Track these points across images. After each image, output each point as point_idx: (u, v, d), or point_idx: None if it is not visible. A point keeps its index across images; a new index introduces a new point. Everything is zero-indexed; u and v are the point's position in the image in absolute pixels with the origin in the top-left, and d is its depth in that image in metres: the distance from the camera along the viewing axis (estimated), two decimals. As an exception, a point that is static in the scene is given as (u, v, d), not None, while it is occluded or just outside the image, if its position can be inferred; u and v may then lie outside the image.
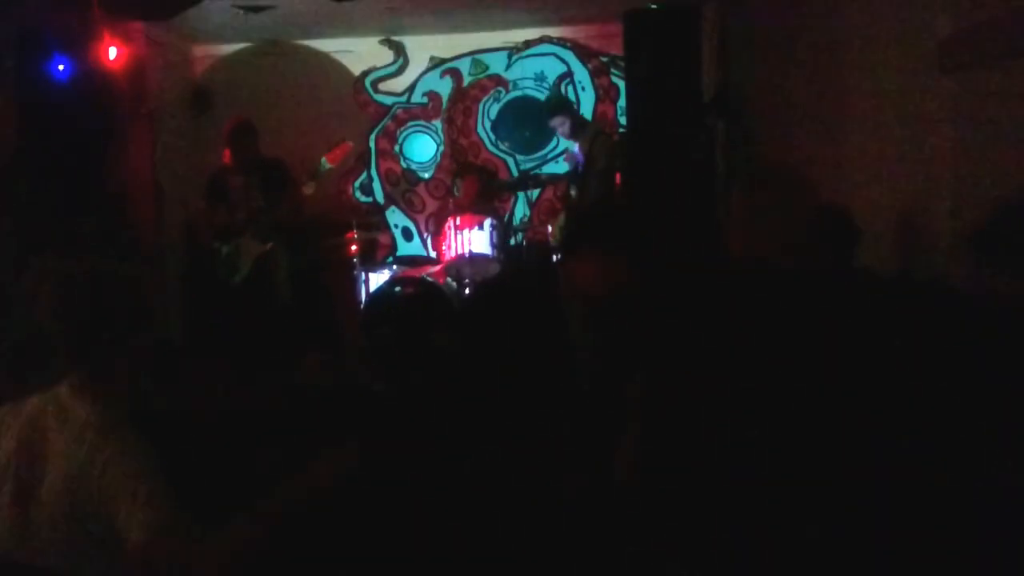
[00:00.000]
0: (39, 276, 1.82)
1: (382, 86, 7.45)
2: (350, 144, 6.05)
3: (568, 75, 7.32)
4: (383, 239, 7.46)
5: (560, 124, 6.17)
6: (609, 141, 6.11)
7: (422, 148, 7.51)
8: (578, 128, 6.14)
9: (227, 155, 5.69)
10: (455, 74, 7.45)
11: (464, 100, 7.45)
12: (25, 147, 5.08)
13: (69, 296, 1.79)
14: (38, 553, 1.72)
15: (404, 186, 7.54)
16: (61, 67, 5.32)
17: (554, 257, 6.28)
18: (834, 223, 2.82)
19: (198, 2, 5.58)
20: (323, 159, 5.71)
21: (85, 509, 1.69)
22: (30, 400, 1.85)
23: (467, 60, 7.42)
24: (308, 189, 5.63)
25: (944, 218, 3.16)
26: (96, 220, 5.28)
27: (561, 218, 6.60)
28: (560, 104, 6.39)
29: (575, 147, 6.20)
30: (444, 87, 7.46)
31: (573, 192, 6.20)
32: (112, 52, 5.41)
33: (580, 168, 6.07)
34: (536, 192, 7.22)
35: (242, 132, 5.55)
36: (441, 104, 7.47)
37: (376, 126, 7.49)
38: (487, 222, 6.18)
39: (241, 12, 6.14)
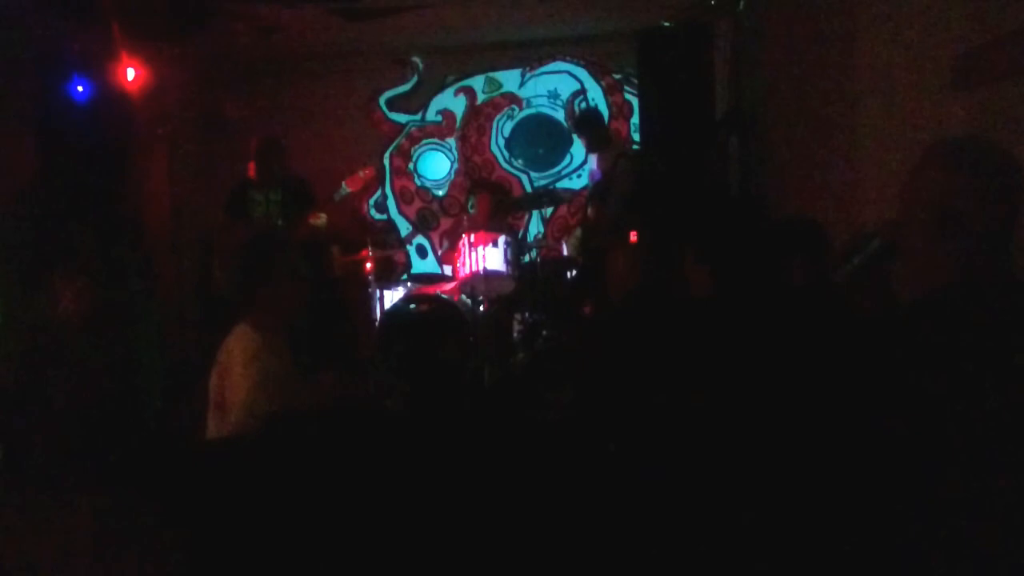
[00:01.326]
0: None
1: (396, 105, 7.50)
2: (372, 169, 6.07)
3: (581, 92, 7.34)
4: (398, 257, 7.48)
5: (585, 137, 6.21)
6: (632, 165, 5.97)
7: (436, 166, 7.55)
8: (599, 143, 6.08)
9: (252, 168, 5.73)
10: (469, 92, 7.49)
11: (478, 118, 7.48)
12: (43, 168, 5.14)
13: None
14: None
15: (419, 204, 7.57)
16: (80, 88, 5.38)
17: (568, 274, 6.27)
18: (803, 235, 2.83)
19: (215, 23, 5.64)
20: (344, 184, 5.74)
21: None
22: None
23: (481, 78, 7.46)
24: (318, 220, 5.62)
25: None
26: (112, 240, 5.32)
27: (577, 233, 6.58)
28: (585, 119, 6.36)
29: (594, 162, 6.18)
30: (458, 105, 7.50)
31: (590, 210, 6.16)
32: (130, 73, 5.48)
33: (598, 184, 6.03)
34: (550, 209, 7.21)
35: (268, 148, 5.62)
36: (455, 122, 7.50)
37: (390, 144, 7.54)
38: (501, 239, 6.18)
39: (258, 30, 6.20)
